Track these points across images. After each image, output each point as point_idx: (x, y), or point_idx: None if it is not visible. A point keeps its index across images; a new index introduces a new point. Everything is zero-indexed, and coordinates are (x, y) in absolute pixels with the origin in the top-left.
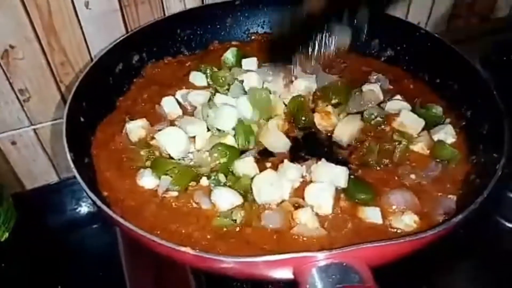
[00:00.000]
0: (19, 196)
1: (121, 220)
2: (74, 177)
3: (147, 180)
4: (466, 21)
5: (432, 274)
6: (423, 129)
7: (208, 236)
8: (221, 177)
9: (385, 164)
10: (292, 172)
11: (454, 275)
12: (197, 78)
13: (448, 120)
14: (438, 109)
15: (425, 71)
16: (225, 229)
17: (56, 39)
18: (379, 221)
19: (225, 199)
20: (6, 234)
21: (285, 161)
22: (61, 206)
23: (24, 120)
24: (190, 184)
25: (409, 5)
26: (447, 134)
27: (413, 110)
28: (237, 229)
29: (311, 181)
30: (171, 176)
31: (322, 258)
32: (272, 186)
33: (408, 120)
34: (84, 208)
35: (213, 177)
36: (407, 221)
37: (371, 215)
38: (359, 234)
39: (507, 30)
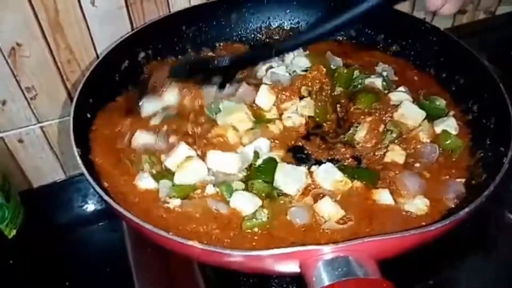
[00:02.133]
0: (26, 194)
1: (128, 214)
2: (81, 174)
3: (146, 182)
4: (472, 16)
5: (438, 267)
6: (426, 120)
7: (232, 234)
8: (237, 185)
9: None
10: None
11: (461, 268)
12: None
13: (451, 113)
14: (441, 102)
15: (432, 65)
16: (255, 229)
17: (62, 36)
18: (391, 202)
19: (248, 203)
20: (14, 231)
21: None
22: (68, 204)
23: (31, 118)
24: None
25: (414, 0)
26: (449, 126)
27: (417, 102)
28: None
29: None
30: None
31: (328, 251)
32: (290, 178)
33: (409, 112)
34: (91, 206)
35: (223, 186)
36: (419, 205)
37: (382, 197)
38: (377, 217)
39: None
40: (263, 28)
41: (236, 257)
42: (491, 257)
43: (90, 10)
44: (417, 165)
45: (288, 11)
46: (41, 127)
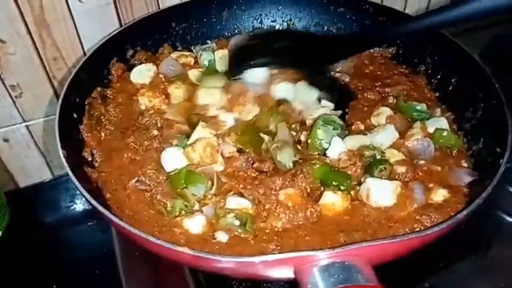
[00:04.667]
0: (12, 194)
1: (114, 219)
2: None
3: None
4: None
5: (434, 270)
6: (419, 122)
7: None
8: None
9: None
10: None
11: (456, 271)
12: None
13: (438, 112)
14: (422, 107)
15: (425, 64)
16: None
17: (48, 33)
18: None
19: None
20: (0, 233)
21: None
22: (55, 204)
23: (16, 117)
24: None
25: None
26: (441, 125)
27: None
28: None
29: None
30: None
31: (323, 257)
32: None
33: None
34: (79, 205)
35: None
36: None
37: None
38: None
39: (507, 23)
40: (255, 25)
41: (227, 263)
42: (487, 259)
43: (77, 6)
44: (422, 162)
45: (280, 7)
46: (27, 126)
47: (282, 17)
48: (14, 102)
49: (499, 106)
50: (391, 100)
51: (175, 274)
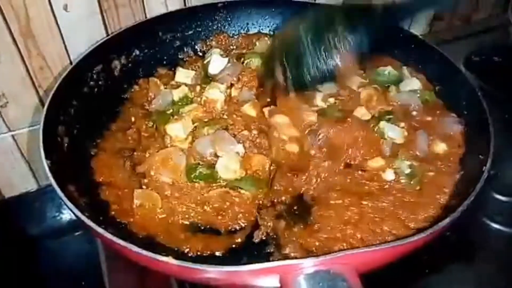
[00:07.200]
0: None
1: (99, 230)
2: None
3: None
4: (448, 22)
5: (419, 277)
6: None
7: None
8: None
9: None
10: None
11: (442, 277)
12: None
13: (406, 72)
14: (389, 70)
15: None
16: None
17: (34, 43)
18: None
19: None
20: None
21: None
22: (41, 214)
23: (1, 126)
24: None
25: None
26: (414, 86)
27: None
28: None
29: None
30: None
31: (308, 265)
32: None
33: None
34: (65, 216)
35: None
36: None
37: None
38: None
39: (489, 31)
40: (241, 34)
41: (213, 273)
42: (473, 265)
43: (63, 15)
44: (414, 113)
45: (266, 17)
46: (13, 136)
47: (268, 26)
48: None
49: (481, 114)
50: None
51: (161, 283)
